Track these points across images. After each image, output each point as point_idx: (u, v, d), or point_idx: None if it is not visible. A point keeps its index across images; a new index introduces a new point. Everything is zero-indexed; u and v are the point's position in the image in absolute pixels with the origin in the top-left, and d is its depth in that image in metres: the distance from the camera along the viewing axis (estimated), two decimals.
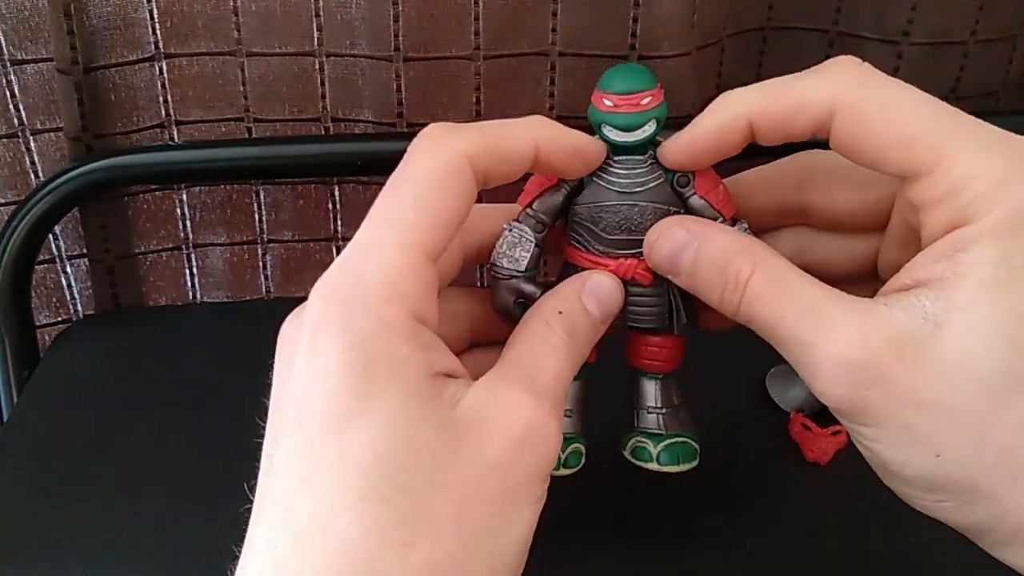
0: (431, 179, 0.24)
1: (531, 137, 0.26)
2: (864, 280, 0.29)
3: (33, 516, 0.36)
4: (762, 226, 0.30)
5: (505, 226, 0.29)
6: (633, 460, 0.30)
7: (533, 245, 0.28)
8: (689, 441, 0.30)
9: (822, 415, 0.39)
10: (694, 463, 0.30)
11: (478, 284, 0.47)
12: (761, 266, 0.25)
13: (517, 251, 0.28)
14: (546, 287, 0.28)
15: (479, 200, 0.26)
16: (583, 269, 0.29)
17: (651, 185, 0.28)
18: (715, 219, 0.28)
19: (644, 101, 0.27)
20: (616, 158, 0.28)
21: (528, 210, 0.29)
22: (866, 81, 0.25)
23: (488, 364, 0.26)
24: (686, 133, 0.27)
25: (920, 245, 0.24)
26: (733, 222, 0.28)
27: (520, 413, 0.24)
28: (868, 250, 0.28)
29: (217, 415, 0.41)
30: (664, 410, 0.30)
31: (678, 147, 0.27)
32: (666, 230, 0.27)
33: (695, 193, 0.28)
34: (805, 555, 0.34)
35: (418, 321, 0.24)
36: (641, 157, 0.28)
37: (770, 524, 0.35)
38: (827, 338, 0.23)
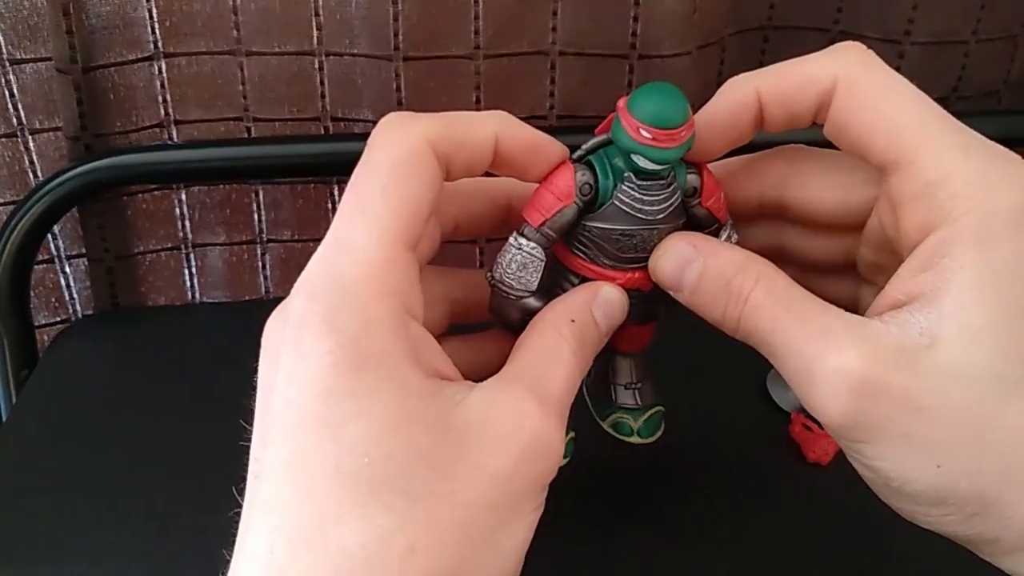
0: (395, 166, 0.24)
1: (490, 126, 0.26)
2: (842, 272, 0.29)
3: (33, 516, 0.36)
4: (741, 217, 0.30)
5: (512, 243, 0.27)
6: (614, 433, 0.32)
7: (542, 263, 0.27)
8: (660, 409, 0.32)
9: None
10: (662, 428, 0.32)
11: (478, 266, 0.47)
12: (762, 281, 0.25)
13: (528, 272, 0.27)
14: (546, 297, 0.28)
15: None
16: (579, 274, 0.28)
17: (671, 208, 0.27)
18: (712, 224, 0.28)
19: (683, 133, 0.26)
20: (640, 182, 0.26)
21: (541, 228, 0.27)
22: (868, 66, 0.25)
23: (464, 354, 0.26)
24: (700, 116, 0.27)
25: (894, 248, 0.25)
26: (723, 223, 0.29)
27: (528, 422, 0.23)
28: (845, 248, 0.29)
29: (216, 415, 0.41)
30: (638, 384, 0.31)
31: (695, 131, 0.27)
32: (671, 247, 0.27)
33: (699, 203, 0.28)
34: (805, 555, 0.34)
35: (406, 314, 0.23)
36: (664, 180, 0.27)
37: (770, 524, 0.35)
38: (824, 350, 0.23)
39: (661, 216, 0.27)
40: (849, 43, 0.26)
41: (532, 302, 0.28)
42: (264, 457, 0.23)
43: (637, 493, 0.36)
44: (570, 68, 0.44)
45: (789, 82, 0.26)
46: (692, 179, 0.28)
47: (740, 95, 0.27)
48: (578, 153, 0.27)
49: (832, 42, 0.47)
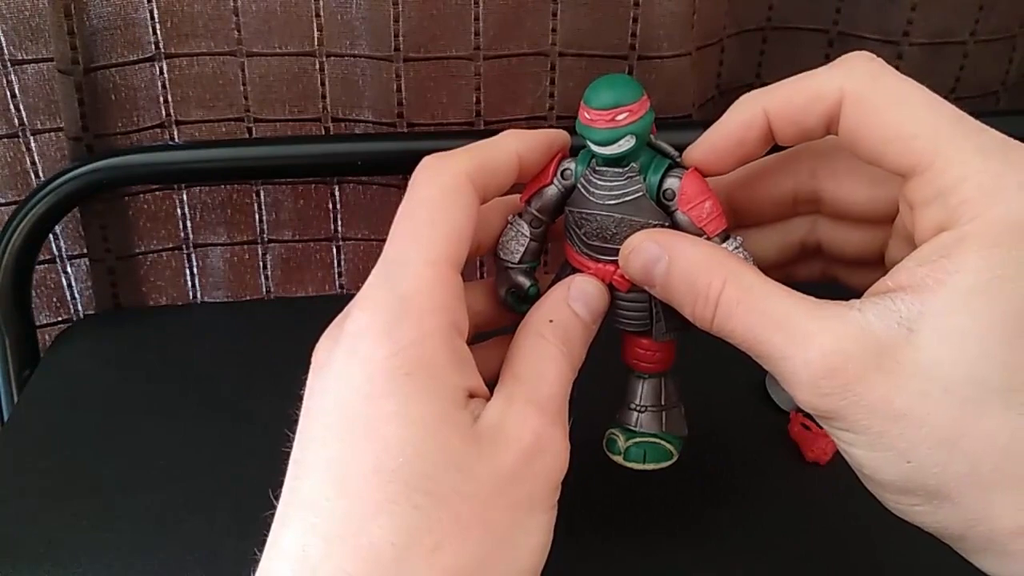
0: (440, 198, 0.26)
1: (512, 147, 0.28)
2: (875, 265, 0.29)
3: (33, 516, 0.36)
4: (777, 215, 0.30)
5: (509, 219, 0.30)
6: (606, 451, 0.31)
7: (528, 240, 0.30)
8: (662, 443, 0.30)
9: None
10: (664, 464, 0.31)
11: (477, 276, 0.48)
12: (732, 280, 0.25)
13: (512, 244, 0.30)
14: (538, 291, 0.30)
15: None
16: (569, 263, 0.30)
17: (628, 198, 0.28)
18: (698, 235, 0.28)
19: (619, 117, 0.27)
20: (599, 168, 0.28)
21: (525, 206, 0.30)
22: (876, 75, 0.25)
23: (484, 362, 0.27)
24: (708, 135, 0.28)
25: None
26: (724, 237, 0.28)
27: (528, 426, 0.25)
28: (878, 240, 0.29)
29: (217, 415, 0.41)
30: (644, 409, 0.31)
31: (702, 150, 0.28)
32: (638, 243, 0.27)
33: (677, 208, 0.28)
34: (804, 554, 0.34)
35: (455, 330, 0.25)
36: (621, 169, 0.28)
37: (769, 523, 0.35)
38: (801, 350, 0.24)
39: (612, 203, 0.28)
40: (856, 53, 0.26)
41: (516, 275, 0.30)
42: (305, 459, 0.24)
43: (635, 491, 0.36)
44: (570, 68, 0.44)
45: (795, 100, 0.26)
46: (671, 182, 0.28)
47: (747, 115, 0.27)
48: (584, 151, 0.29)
49: (831, 43, 0.47)
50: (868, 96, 0.25)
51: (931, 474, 0.23)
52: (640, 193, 0.28)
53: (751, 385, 0.41)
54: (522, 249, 0.30)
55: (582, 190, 0.28)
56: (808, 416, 0.38)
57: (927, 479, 0.23)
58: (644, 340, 0.30)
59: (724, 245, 0.27)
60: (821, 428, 0.38)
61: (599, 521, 0.35)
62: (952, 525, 0.23)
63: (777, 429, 0.39)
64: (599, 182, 0.28)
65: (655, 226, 0.28)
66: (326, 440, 0.24)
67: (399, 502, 0.22)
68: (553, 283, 0.30)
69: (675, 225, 0.28)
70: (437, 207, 0.26)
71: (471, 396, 0.25)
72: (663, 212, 0.28)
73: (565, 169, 0.29)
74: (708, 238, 0.27)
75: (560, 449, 0.25)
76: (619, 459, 0.31)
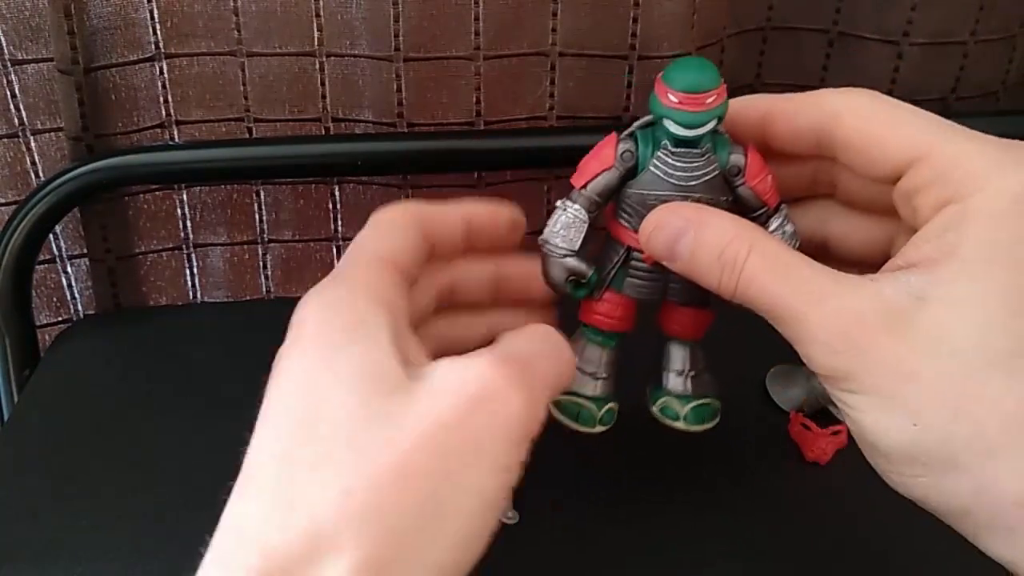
0: (382, 224, 0.29)
1: (458, 206, 0.30)
2: (878, 263, 0.29)
3: (33, 516, 0.36)
4: (795, 192, 0.31)
5: (559, 204, 0.30)
6: (661, 417, 0.32)
7: (586, 225, 0.30)
8: (713, 402, 0.32)
9: (822, 415, 0.39)
10: (716, 421, 0.32)
11: None
12: (757, 248, 0.26)
13: (571, 231, 0.30)
14: (595, 263, 0.30)
15: None
16: (623, 243, 0.30)
17: (707, 178, 0.28)
18: (760, 208, 0.29)
19: (709, 100, 0.27)
20: (674, 150, 0.28)
21: (583, 191, 0.29)
22: (874, 96, 0.27)
23: None
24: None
25: None
26: (776, 209, 0.29)
27: (475, 374, 0.24)
28: (885, 235, 0.30)
29: (217, 415, 0.41)
30: (691, 373, 0.32)
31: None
32: (662, 219, 0.28)
33: (744, 183, 0.29)
34: (804, 554, 0.34)
35: (392, 315, 0.25)
36: (699, 150, 0.28)
37: (769, 523, 0.35)
38: (818, 310, 0.25)
39: (694, 183, 0.28)
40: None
41: (574, 262, 0.30)
42: (255, 458, 0.24)
43: (636, 491, 0.36)
44: (570, 68, 0.44)
45: (797, 102, 0.28)
46: (736, 158, 0.29)
47: (751, 99, 0.29)
48: (628, 130, 0.30)
49: (831, 43, 0.47)
50: (866, 106, 0.27)
51: (936, 437, 0.23)
52: (717, 172, 0.28)
53: (751, 385, 0.41)
54: (582, 236, 0.30)
55: (657, 172, 0.28)
56: (812, 417, 0.38)
57: (932, 443, 0.23)
58: (689, 309, 0.31)
59: (776, 215, 0.29)
60: (821, 428, 0.38)
61: (598, 520, 0.35)
62: (956, 497, 0.23)
63: (777, 429, 0.39)
64: (679, 163, 0.28)
65: (724, 202, 0.29)
66: (266, 414, 0.24)
67: (324, 460, 0.22)
68: (598, 258, 0.30)
69: (737, 199, 0.29)
70: (381, 230, 0.28)
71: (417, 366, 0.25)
72: (728, 188, 0.29)
73: (625, 151, 0.29)
74: (767, 209, 0.29)
75: (515, 408, 0.23)
76: (679, 424, 0.32)
